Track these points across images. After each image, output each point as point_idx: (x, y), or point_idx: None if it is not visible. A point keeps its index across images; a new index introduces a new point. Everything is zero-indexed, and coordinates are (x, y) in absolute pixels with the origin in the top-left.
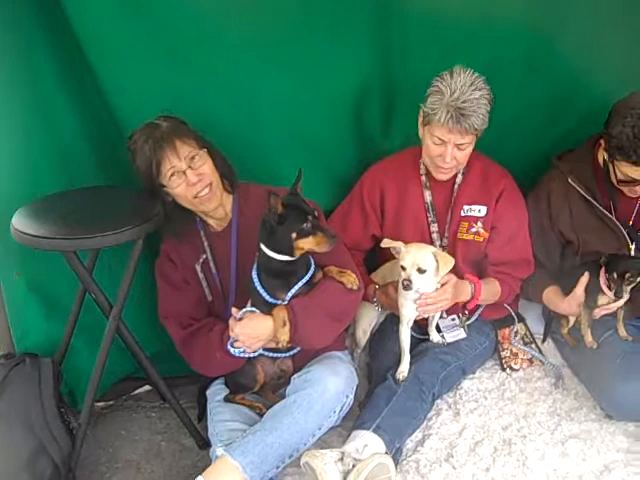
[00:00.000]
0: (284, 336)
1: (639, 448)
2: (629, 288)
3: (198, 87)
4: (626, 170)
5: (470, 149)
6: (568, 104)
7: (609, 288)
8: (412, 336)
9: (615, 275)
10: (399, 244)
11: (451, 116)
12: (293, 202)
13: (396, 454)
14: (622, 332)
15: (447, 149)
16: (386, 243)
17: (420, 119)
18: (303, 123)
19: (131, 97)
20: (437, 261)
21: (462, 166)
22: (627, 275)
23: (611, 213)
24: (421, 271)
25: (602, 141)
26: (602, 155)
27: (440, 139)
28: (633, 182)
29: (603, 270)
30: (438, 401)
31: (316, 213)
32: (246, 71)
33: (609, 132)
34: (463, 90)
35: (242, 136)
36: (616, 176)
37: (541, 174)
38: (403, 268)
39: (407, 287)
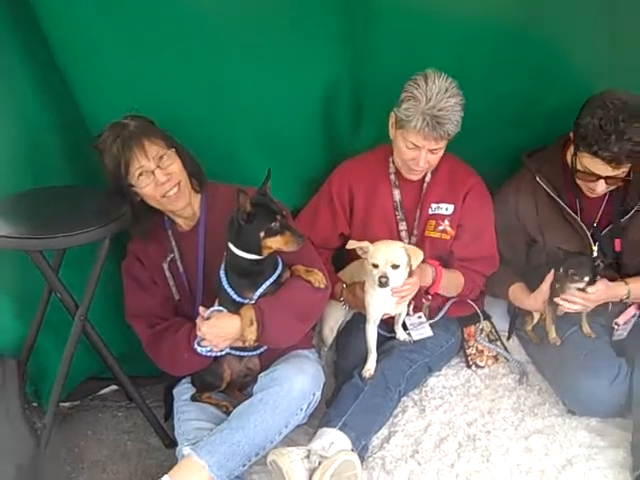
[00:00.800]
0: (251, 335)
1: (600, 443)
2: (574, 286)
3: (167, 87)
4: (586, 162)
5: (442, 152)
6: (536, 103)
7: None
8: (379, 334)
9: (561, 270)
10: (365, 244)
11: (427, 124)
12: (262, 201)
13: (362, 451)
14: (586, 329)
15: (421, 154)
16: (351, 244)
17: (392, 121)
18: (272, 123)
19: (100, 97)
20: (408, 255)
21: (433, 168)
22: (570, 272)
23: (576, 213)
24: (395, 266)
25: (572, 134)
26: (570, 154)
27: (414, 144)
28: (591, 176)
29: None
30: (404, 398)
31: (284, 212)
32: (215, 71)
33: (578, 122)
34: (439, 97)
35: (211, 136)
36: (576, 168)
37: (510, 172)
38: (375, 266)
39: (384, 284)
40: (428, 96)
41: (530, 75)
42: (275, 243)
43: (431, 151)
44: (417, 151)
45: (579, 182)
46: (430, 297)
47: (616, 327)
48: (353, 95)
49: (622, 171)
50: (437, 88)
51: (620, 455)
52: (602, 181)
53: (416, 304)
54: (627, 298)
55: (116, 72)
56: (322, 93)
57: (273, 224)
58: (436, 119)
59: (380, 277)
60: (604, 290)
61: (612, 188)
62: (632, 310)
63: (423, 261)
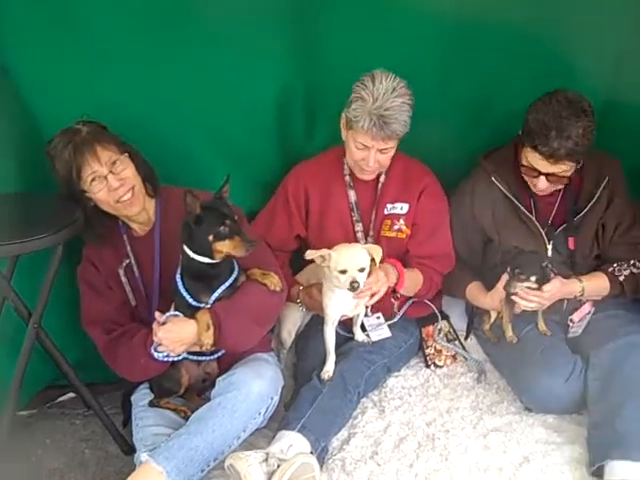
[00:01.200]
0: (208, 340)
1: (557, 439)
2: (523, 285)
3: (120, 92)
4: (529, 157)
5: (392, 152)
6: (492, 103)
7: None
8: (338, 335)
9: (509, 268)
10: (326, 251)
11: (374, 124)
12: (212, 205)
13: (322, 453)
14: (542, 327)
15: (370, 154)
16: (310, 254)
17: (343, 122)
18: (227, 127)
19: (52, 102)
20: (370, 255)
21: (385, 168)
22: (516, 271)
23: (531, 213)
24: (362, 270)
25: (521, 131)
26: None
27: (363, 144)
28: (533, 171)
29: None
30: (363, 399)
31: (236, 217)
32: (168, 77)
33: (526, 118)
34: (385, 97)
35: (166, 140)
36: (522, 162)
37: (466, 172)
38: (343, 272)
39: (356, 288)
40: (375, 96)
41: (485, 75)
42: (224, 247)
43: (380, 151)
44: (366, 151)
45: (524, 177)
46: (398, 296)
47: (571, 324)
48: (306, 98)
49: (563, 169)
50: (384, 88)
51: (576, 451)
52: (543, 178)
53: (383, 305)
54: (581, 295)
55: (68, 76)
56: (275, 96)
57: (222, 228)
58: (383, 119)
59: (352, 282)
60: (559, 288)
61: (556, 187)
62: (587, 307)
63: (382, 261)
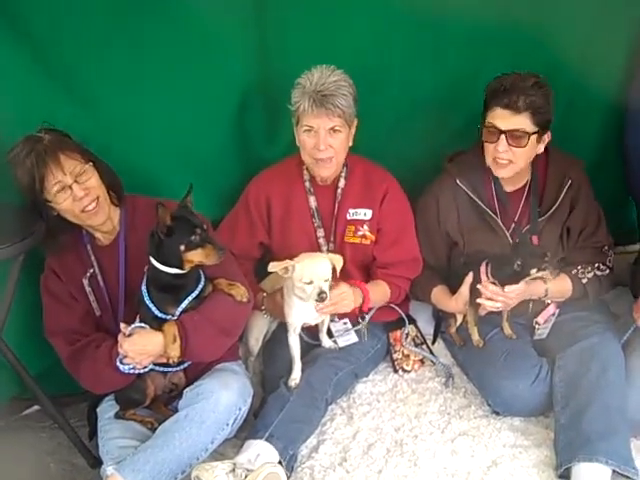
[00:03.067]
0: (174, 352)
1: (524, 442)
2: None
3: (79, 104)
4: (491, 117)
5: (343, 136)
6: (455, 105)
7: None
8: (304, 342)
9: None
10: (289, 263)
11: (313, 101)
12: (182, 214)
13: (290, 461)
14: (507, 330)
15: (319, 135)
16: (273, 267)
17: (294, 122)
18: (187, 135)
19: (8, 113)
20: (332, 264)
21: (341, 157)
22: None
23: (496, 215)
24: (326, 280)
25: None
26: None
27: (309, 126)
28: (493, 133)
29: (484, 265)
30: (332, 406)
31: (205, 226)
32: (124, 86)
33: (485, 91)
34: (322, 79)
35: (125, 150)
36: (483, 129)
37: (431, 176)
38: (310, 282)
39: (324, 299)
40: (311, 80)
41: (449, 76)
42: (196, 256)
43: (330, 132)
44: (315, 135)
45: (486, 151)
46: (365, 316)
47: (537, 326)
48: (266, 106)
49: (521, 125)
50: (319, 71)
51: (543, 453)
52: (503, 138)
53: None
54: (546, 296)
55: (18, 85)
56: (235, 104)
57: (193, 237)
58: (321, 94)
59: (319, 294)
60: (523, 289)
61: (514, 157)
62: (551, 309)
63: (347, 279)
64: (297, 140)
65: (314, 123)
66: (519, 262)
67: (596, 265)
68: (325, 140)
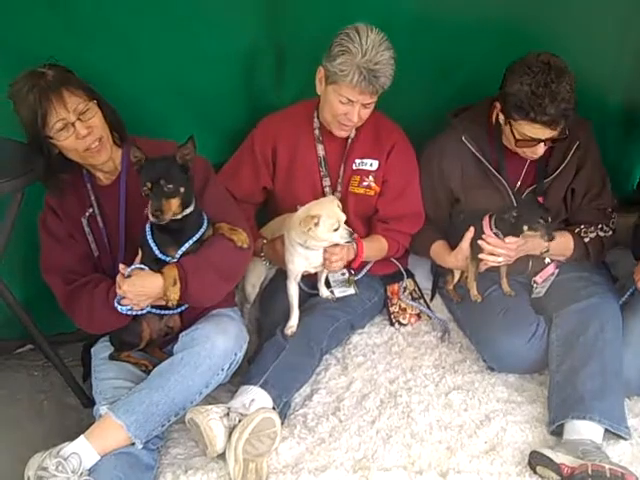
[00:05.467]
0: (174, 295)
1: (518, 398)
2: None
3: (81, 39)
4: (524, 129)
5: (373, 106)
6: (459, 60)
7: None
8: (302, 291)
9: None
10: (312, 218)
11: (364, 77)
12: (150, 161)
13: (284, 408)
14: (506, 287)
15: (354, 108)
16: (303, 225)
17: (320, 76)
18: (193, 78)
19: (11, 47)
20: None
21: (362, 122)
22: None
23: (501, 174)
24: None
25: (497, 104)
26: (495, 117)
27: (348, 99)
28: (532, 141)
29: (486, 218)
30: (327, 356)
31: (162, 182)
32: (134, 28)
33: (506, 91)
34: (375, 51)
35: (130, 91)
36: (514, 137)
37: (434, 129)
38: (337, 229)
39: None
40: (363, 49)
41: (452, 31)
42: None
43: (364, 105)
44: (350, 106)
45: (519, 150)
46: (353, 270)
47: (535, 285)
48: (276, 49)
49: (560, 130)
50: (371, 42)
51: (537, 410)
52: (542, 143)
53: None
54: (546, 252)
55: (23, 22)
56: (244, 48)
57: (144, 188)
58: (372, 73)
59: (350, 234)
60: (523, 242)
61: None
62: (551, 269)
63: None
64: (320, 92)
65: (355, 98)
66: (514, 213)
67: (599, 226)
68: (359, 113)
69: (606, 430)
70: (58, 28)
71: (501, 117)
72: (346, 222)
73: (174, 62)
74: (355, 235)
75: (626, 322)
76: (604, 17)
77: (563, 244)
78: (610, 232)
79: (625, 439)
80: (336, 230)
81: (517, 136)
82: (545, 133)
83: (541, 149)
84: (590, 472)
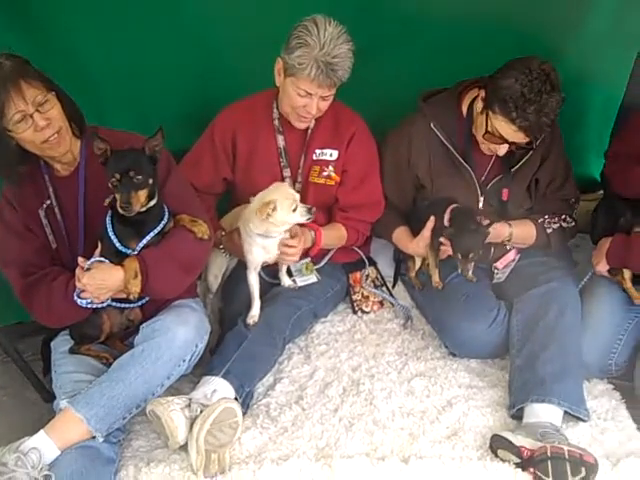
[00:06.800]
0: (135, 287)
1: (479, 383)
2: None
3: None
4: (499, 125)
5: (332, 98)
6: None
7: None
8: (264, 281)
9: (459, 255)
10: (269, 204)
11: (321, 71)
12: (118, 153)
13: (246, 398)
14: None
15: (313, 101)
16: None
17: (278, 68)
18: (154, 66)
19: None
20: None
21: (321, 114)
22: (471, 255)
23: (468, 163)
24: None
25: (481, 91)
26: (467, 106)
27: (307, 92)
28: (499, 139)
29: (448, 213)
30: (290, 345)
31: (131, 173)
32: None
33: (497, 82)
34: (333, 44)
35: (93, 79)
36: (485, 129)
37: (399, 115)
38: (295, 209)
39: (314, 212)
40: (321, 42)
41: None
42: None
43: (323, 98)
44: (309, 98)
45: (482, 143)
46: (311, 259)
47: (496, 271)
48: (237, 38)
49: (529, 139)
50: (329, 35)
51: (498, 394)
52: (506, 145)
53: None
54: (509, 240)
55: None
56: (205, 36)
57: (113, 179)
58: (330, 66)
59: (308, 210)
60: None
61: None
62: (512, 255)
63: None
64: (278, 84)
65: (313, 91)
66: (451, 231)
67: (563, 217)
68: (317, 105)
69: (566, 412)
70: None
71: (479, 105)
72: (302, 201)
73: (135, 51)
74: (314, 209)
75: (585, 306)
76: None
77: (525, 233)
78: (573, 223)
79: (584, 421)
80: (294, 210)
81: (488, 128)
82: (516, 137)
83: (503, 149)
84: (549, 454)
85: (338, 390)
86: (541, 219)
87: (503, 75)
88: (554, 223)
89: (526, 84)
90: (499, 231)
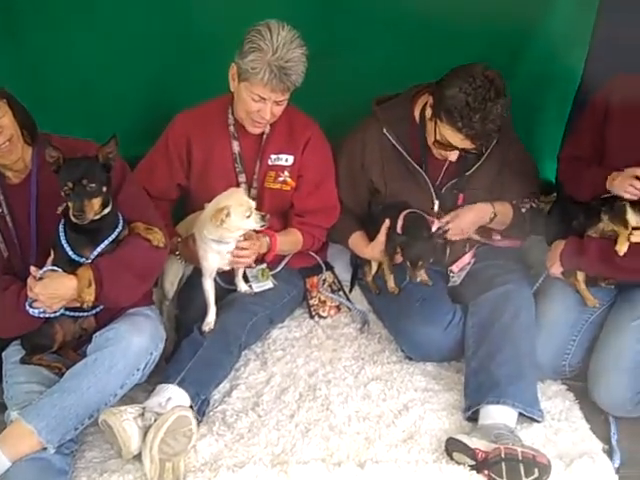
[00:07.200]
0: (89, 297)
1: (435, 386)
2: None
3: None
4: (447, 134)
5: (286, 103)
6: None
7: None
8: (220, 287)
9: (408, 263)
10: (222, 210)
11: (275, 75)
12: (70, 162)
13: (202, 406)
14: (423, 277)
15: (267, 106)
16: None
17: (233, 73)
18: (106, 75)
19: None
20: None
21: (276, 119)
22: (420, 263)
23: (421, 167)
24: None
25: (430, 97)
26: (420, 110)
27: (260, 97)
28: (448, 146)
29: (402, 219)
30: (246, 351)
31: (84, 181)
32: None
33: (443, 91)
34: (286, 48)
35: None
36: (435, 136)
37: (355, 120)
38: (249, 215)
39: (268, 219)
40: (274, 47)
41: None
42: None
43: (277, 103)
44: (262, 103)
45: (433, 148)
46: (267, 264)
47: (451, 274)
48: (189, 44)
49: (477, 145)
50: (282, 39)
51: (454, 397)
52: (456, 151)
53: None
54: (492, 220)
55: None
56: (156, 42)
57: (65, 188)
58: (283, 70)
59: (262, 217)
60: (467, 211)
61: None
62: (467, 258)
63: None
64: (233, 89)
65: (267, 95)
66: (402, 241)
67: (532, 200)
68: (271, 110)
69: (520, 414)
70: None
71: (429, 111)
72: (257, 208)
73: (88, 61)
74: (269, 217)
75: (539, 308)
76: None
77: (505, 210)
78: (542, 205)
79: (538, 422)
80: (248, 217)
81: (437, 136)
82: (464, 144)
83: (454, 155)
84: (503, 455)
85: (294, 396)
86: (514, 201)
87: (448, 84)
88: (525, 203)
89: (470, 93)
90: (483, 211)
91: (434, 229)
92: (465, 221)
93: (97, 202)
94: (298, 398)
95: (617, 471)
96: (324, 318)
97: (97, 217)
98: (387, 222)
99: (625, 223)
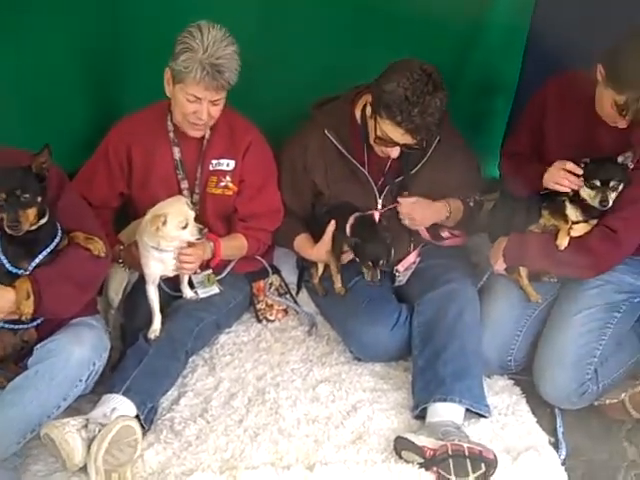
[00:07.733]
0: (28, 309)
1: (384, 386)
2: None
3: None
4: (387, 129)
5: (223, 103)
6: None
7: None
8: (165, 294)
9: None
10: (159, 218)
11: (207, 73)
12: (1, 172)
13: (149, 414)
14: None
15: (202, 106)
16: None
17: (167, 77)
18: (36, 88)
19: None
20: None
21: (214, 120)
22: (381, 262)
23: (364, 167)
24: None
25: (369, 95)
26: (360, 110)
27: (195, 97)
28: (390, 143)
29: (352, 219)
30: (194, 357)
31: (18, 192)
32: None
33: (381, 87)
34: (216, 46)
35: None
36: (375, 134)
37: (297, 123)
38: (185, 227)
39: (205, 232)
40: (205, 45)
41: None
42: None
43: (213, 102)
44: (198, 104)
45: (375, 146)
46: (212, 269)
47: (397, 274)
48: (123, 52)
49: (418, 140)
50: (212, 37)
51: (402, 396)
52: (398, 147)
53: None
54: (448, 218)
55: None
56: (89, 51)
57: None
58: (216, 68)
59: (200, 230)
60: (425, 205)
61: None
62: (412, 258)
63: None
64: (169, 94)
65: (201, 94)
66: (356, 241)
67: (477, 194)
68: (208, 110)
69: (467, 410)
70: None
71: (368, 109)
72: (199, 220)
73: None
74: (206, 231)
75: (484, 304)
76: None
77: (457, 205)
78: (486, 203)
79: (485, 417)
80: (185, 228)
81: (378, 133)
82: (405, 139)
83: (396, 152)
84: (450, 452)
85: (243, 400)
86: (462, 197)
87: (386, 80)
88: (469, 200)
89: (408, 87)
90: (439, 210)
91: (376, 218)
92: (420, 213)
93: (32, 212)
94: (247, 403)
95: (563, 463)
96: (272, 322)
97: (33, 228)
98: (333, 223)
99: (565, 218)
